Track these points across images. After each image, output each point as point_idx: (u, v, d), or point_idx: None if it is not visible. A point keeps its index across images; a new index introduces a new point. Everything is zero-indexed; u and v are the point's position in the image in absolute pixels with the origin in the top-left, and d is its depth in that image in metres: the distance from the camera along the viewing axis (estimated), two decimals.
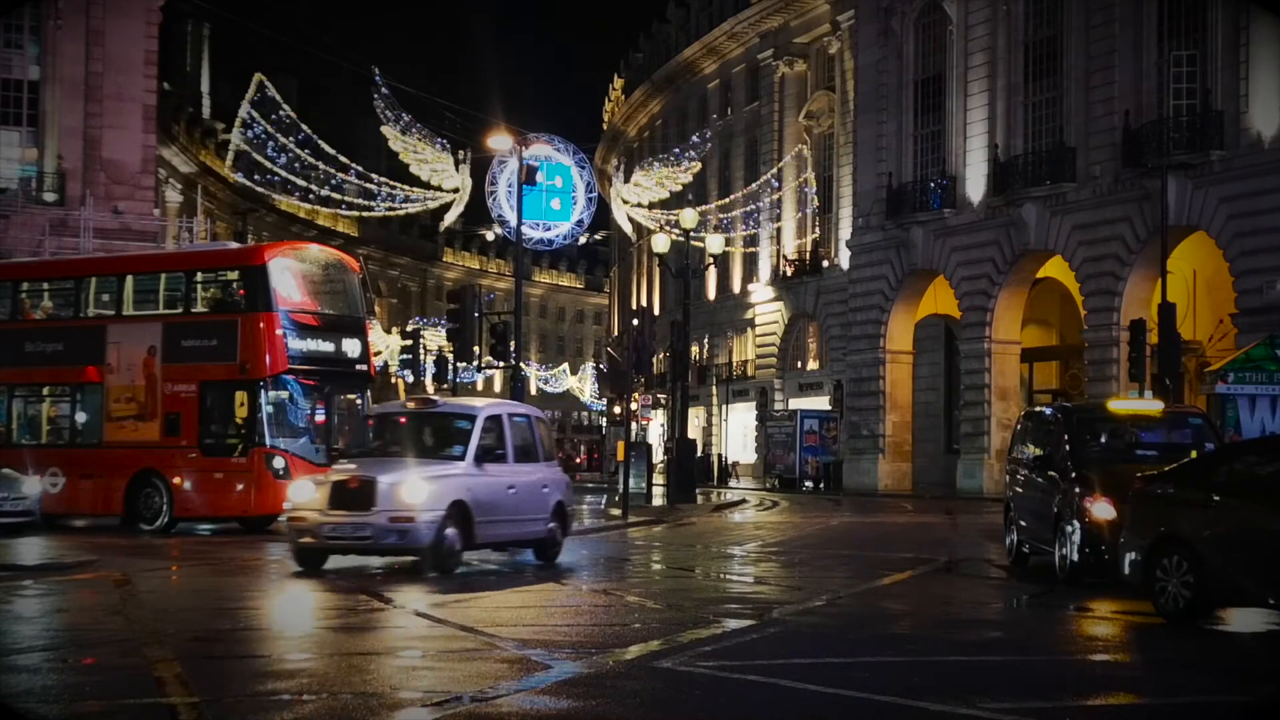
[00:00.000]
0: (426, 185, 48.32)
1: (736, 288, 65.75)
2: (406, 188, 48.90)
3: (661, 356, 53.50)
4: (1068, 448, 16.90)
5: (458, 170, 47.73)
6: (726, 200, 60.66)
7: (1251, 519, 12.17)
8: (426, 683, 9.41)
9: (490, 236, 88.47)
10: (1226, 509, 12.45)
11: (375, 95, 46.60)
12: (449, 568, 16.47)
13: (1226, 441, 20.68)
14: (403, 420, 18.58)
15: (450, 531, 16.39)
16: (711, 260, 44.05)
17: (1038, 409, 24.01)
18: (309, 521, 16.45)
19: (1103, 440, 17.56)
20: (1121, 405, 20.89)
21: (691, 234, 41.74)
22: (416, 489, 16.25)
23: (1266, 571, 11.92)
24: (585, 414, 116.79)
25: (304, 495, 16.75)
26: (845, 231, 53.97)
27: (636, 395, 43.42)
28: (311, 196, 49.01)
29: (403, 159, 47.58)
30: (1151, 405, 22.30)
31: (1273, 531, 11.87)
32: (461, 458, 17.12)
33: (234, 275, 25.30)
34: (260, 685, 9.28)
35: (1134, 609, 13.77)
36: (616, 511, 30.85)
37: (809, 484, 52.28)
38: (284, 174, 47.42)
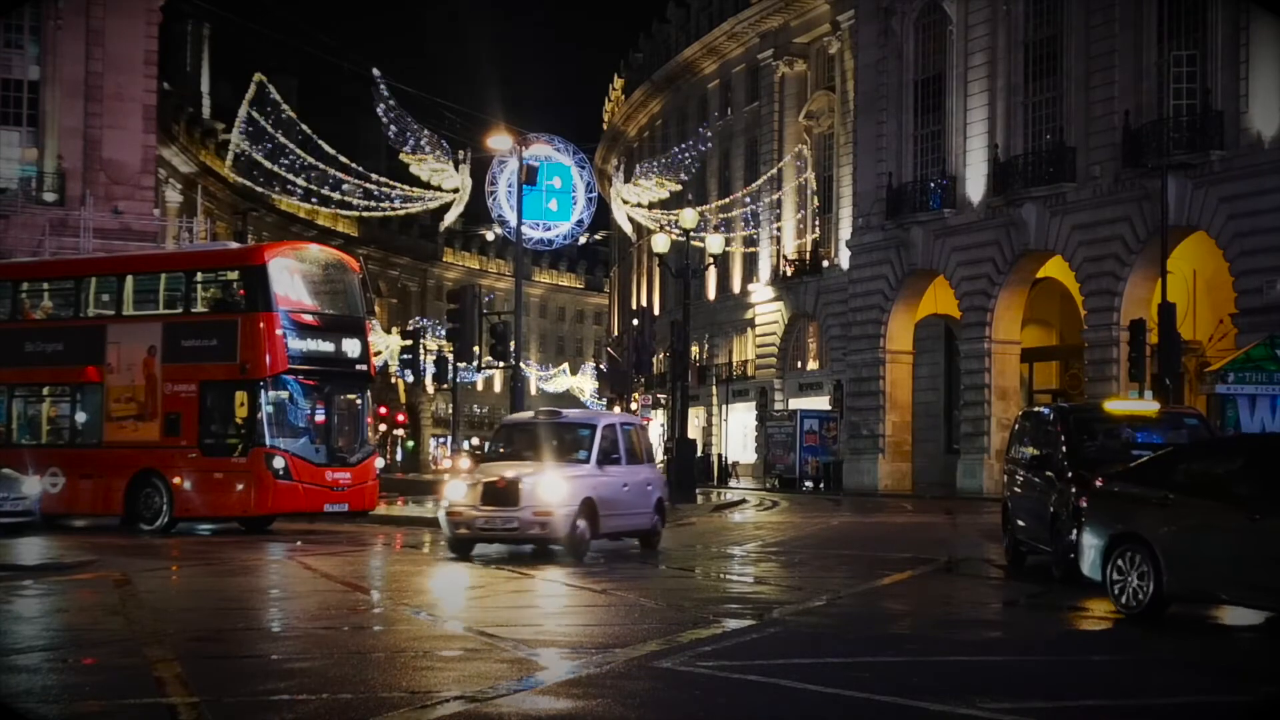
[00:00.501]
0: (426, 185, 48.34)
1: (736, 288, 65.75)
2: (406, 188, 48.92)
3: (661, 356, 53.51)
4: (1064, 448, 16.96)
5: (457, 170, 47.75)
6: (726, 200, 60.69)
7: (1206, 517, 12.46)
8: (426, 682, 9.41)
9: (490, 236, 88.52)
10: (1183, 507, 12.70)
11: (375, 95, 46.61)
12: (581, 553, 19.02)
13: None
14: (533, 428, 21.02)
15: (581, 523, 19.04)
16: (711, 260, 44.06)
17: (1036, 409, 24.07)
18: (464, 515, 18.96)
19: (1099, 441, 17.61)
20: (1118, 406, 20.99)
21: (691, 234, 41.74)
22: (556, 488, 18.91)
23: (1220, 567, 12.23)
24: None
25: (458, 494, 19.22)
26: (845, 231, 53.97)
27: (636, 395, 43.46)
28: (312, 197, 49.03)
29: (403, 159, 47.61)
30: (1147, 406, 22.43)
31: (1227, 529, 12.15)
32: (587, 461, 19.82)
33: (234, 275, 25.30)
34: (260, 685, 9.28)
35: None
36: None
37: (809, 484, 52.27)
38: (284, 174, 47.43)
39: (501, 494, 18.73)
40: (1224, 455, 14.01)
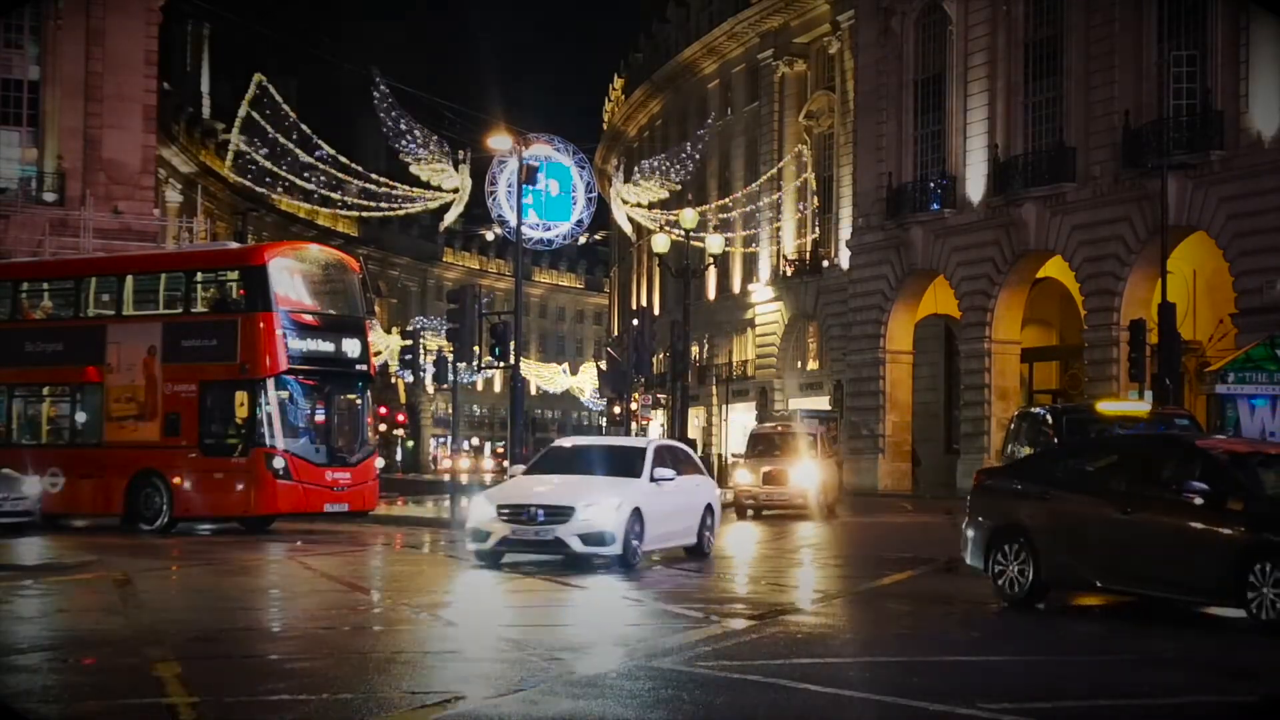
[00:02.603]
0: (426, 185, 48.30)
1: (736, 288, 65.71)
2: (406, 188, 48.88)
3: (661, 356, 53.48)
4: None
5: (457, 170, 47.70)
6: (726, 200, 60.62)
7: (1082, 509, 13.51)
8: (427, 682, 9.41)
9: (490, 236, 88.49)
10: (1060, 501, 13.75)
11: (375, 95, 46.56)
12: (824, 517, 29.66)
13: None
14: (774, 434, 33.46)
15: (820, 498, 30.13)
16: (711, 260, 44.01)
17: (1031, 409, 24.24)
18: (750, 492, 30.16)
19: None
20: (1110, 407, 21.28)
21: (691, 234, 41.72)
22: (812, 474, 30.29)
23: (1093, 557, 13.31)
24: (585, 414, 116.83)
25: (746, 479, 30.43)
26: (845, 231, 53.95)
27: (636, 395, 43.46)
28: (312, 196, 49.00)
29: (403, 159, 47.56)
30: (1138, 407, 22.65)
31: (1100, 520, 13.20)
32: (815, 456, 31.27)
33: (234, 275, 25.29)
34: (260, 685, 9.28)
35: (1127, 607, 13.81)
36: None
37: None
38: (284, 174, 47.41)
39: (776, 478, 29.88)
40: (1099, 453, 15.08)
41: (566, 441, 21.26)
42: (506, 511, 17.31)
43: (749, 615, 13.10)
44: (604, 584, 16.01)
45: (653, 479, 18.36)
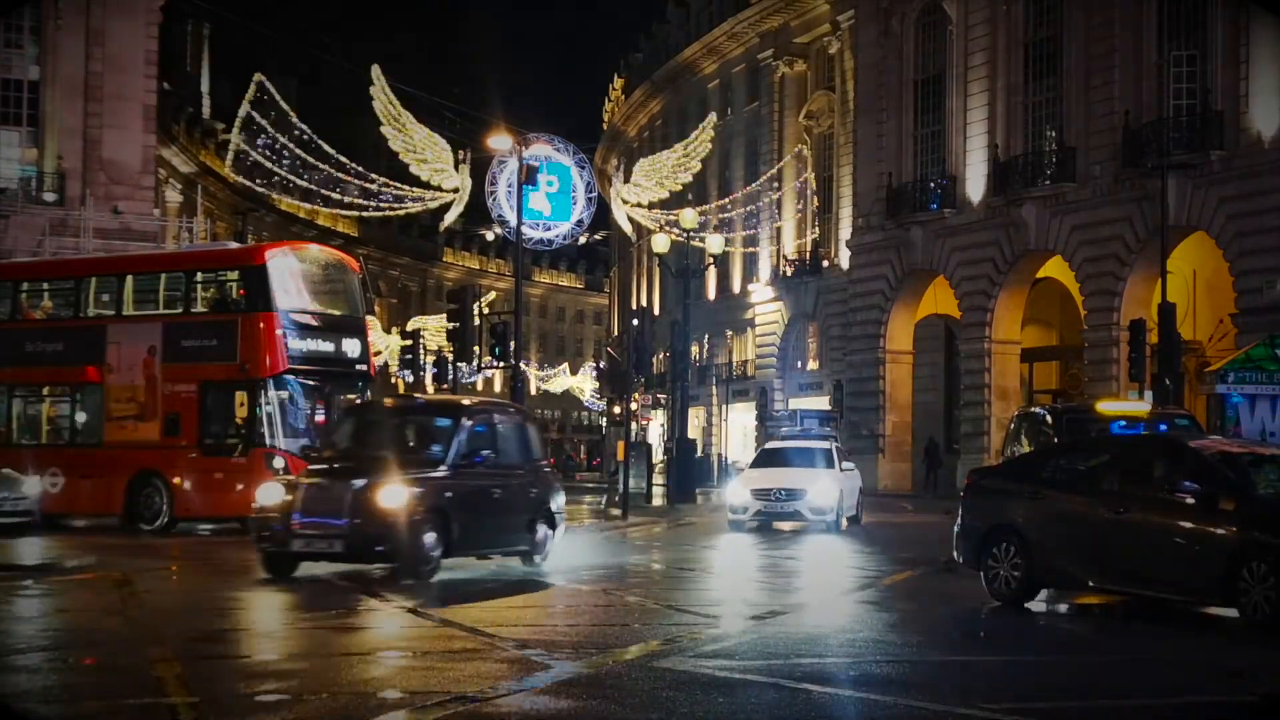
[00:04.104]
0: (426, 185, 48.25)
1: (736, 288, 65.71)
2: (406, 188, 48.84)
3: (661, 356, 53.51)
4: None
5: (457, 170, 47.66)
6: (726, 200, 60.60)
7: (1073, 509, 13.58)
8: (426, 682, 9.41)
9: (490, 236, 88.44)
10: (1053, 501, 13.81)
11: (374, 95, 46.51)
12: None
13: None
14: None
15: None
16: (711, 260, 44.00)
17: (1031, 410, 24.30)
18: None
19: None
20: (1110, 406, 21.32)
21: (691, 234, 41.72)
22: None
23: (1086, 556, 13.37)
24: (585, 414, 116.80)
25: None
26: (845, 231, 53.96)
27: (636, 395, 43.45)
28: (312, 196, 48.97)
29: (403, 159, 47.50)
30: (1138, 407, 22.67)
31: (1092, 520, 13.25)
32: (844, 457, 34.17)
33: (234, 275, 25.27)
34: (260, 685, 9.28)
35: (1119, 607, 13.81)
36: (616, 511, 30.88)
37: None
38: (284, 174, 47.37)
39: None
40: (1090, 453, 15.08)
41: (773, 445, 30.21)
42: (760, 494, 25.86)
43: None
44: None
45: (841, 469, 27.05)
